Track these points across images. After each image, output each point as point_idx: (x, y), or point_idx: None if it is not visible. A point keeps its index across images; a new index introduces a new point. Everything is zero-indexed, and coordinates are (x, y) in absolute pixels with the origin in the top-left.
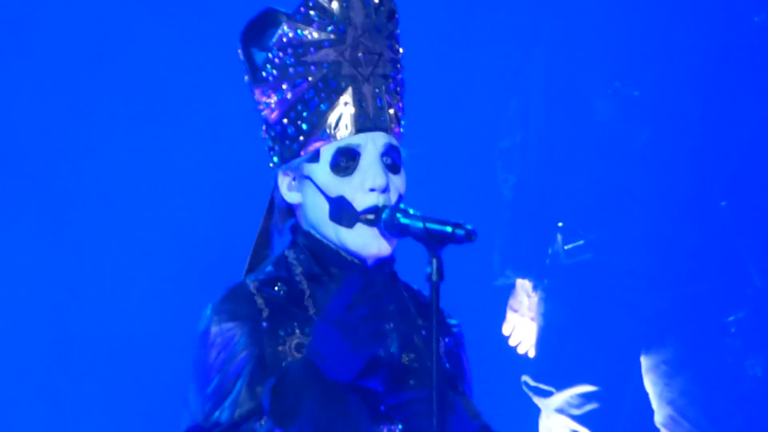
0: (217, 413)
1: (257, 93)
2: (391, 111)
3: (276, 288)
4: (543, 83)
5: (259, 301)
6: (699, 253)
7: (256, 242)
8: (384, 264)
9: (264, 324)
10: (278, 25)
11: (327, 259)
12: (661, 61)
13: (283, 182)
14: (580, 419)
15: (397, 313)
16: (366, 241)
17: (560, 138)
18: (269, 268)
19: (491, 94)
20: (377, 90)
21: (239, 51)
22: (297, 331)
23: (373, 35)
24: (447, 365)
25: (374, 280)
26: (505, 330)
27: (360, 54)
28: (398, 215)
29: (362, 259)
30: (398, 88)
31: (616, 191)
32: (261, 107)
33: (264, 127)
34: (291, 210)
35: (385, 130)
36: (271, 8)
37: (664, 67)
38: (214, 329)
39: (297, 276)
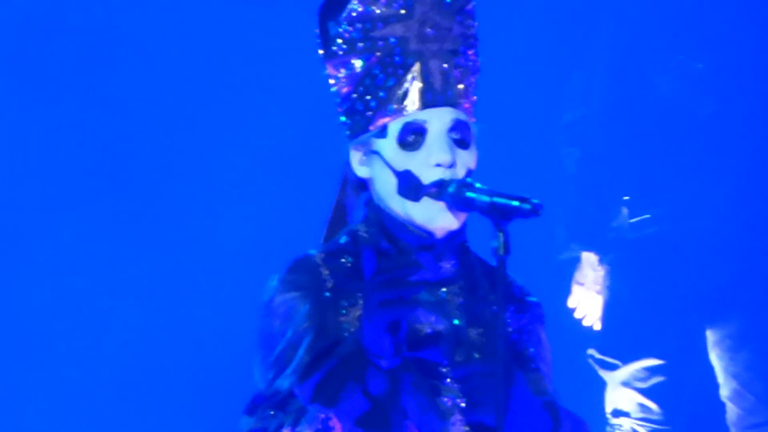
0: (278, 382)
1: (329, 67)
2: (460, 86)
3: (343, 260)
4: (606, 56)
5: (325, 272)
6: (764, 226)
7: (331, 217)
8: (453, 237)
9: (327, 294)
10: None
11: (396, 232)
12: (725, 34)
13: (354, 157)
14: (645, 392)
15: (467, 287)
16: (432, 215)
17: (624, 111)
18: (340, 240)
19: (554, 67)
20: (445, 65)
21: (316, 25)
22: (360, 302)
23: (441, 10)
24: (515, 341)
25: (441, 253)
26: (571, 303)
27: (428, 29)
28: (464, 189)
29: (429, 233)
30: (469, 63)
31: (680, 165)
32: (332, 81)
33: (337, 102)
34: (364, 184)
35: (453, 105)
36: None
37: (727, 39)
38: (277, 299)
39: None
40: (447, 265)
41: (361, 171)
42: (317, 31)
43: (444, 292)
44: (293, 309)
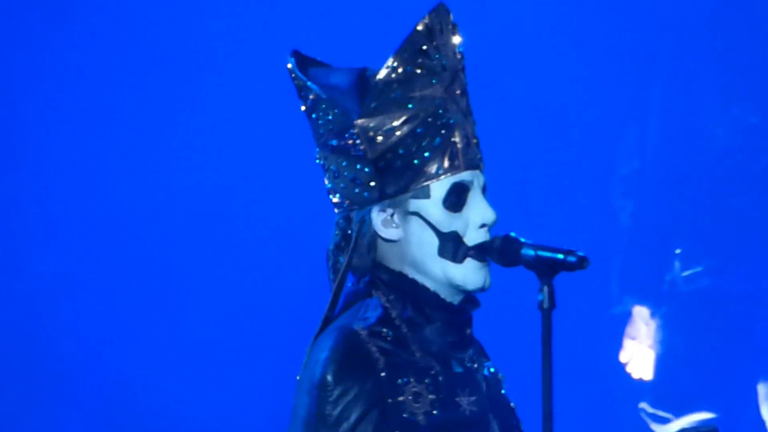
0: None
1: (357, 129)
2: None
3: (383, 334)
4: (661, 109)
5: (373, 349)
6: None
7: (338, 282)
8: (472, 303)
9: (383, 374)
10: (311, 65)
11: (421, 299)
12: None
13: (378, 218)
14: None
15: (477, 353)
16: (474, 275)
17: (678, 164)
18: (368, 313)
19: (610, 120)
20: (472, 127)
21: (314, 90)
22: (412, 379)
23: (460, 74)
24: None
25: (465, 320)
26: (623, 358)
27: (458, 92)
28: (511, 244)
29: (462, 294)
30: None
31: (734, 218)
32: (352, 142)
33: (343, 163)
34: (375, 249)
35: (480, 167)
36: (297, 51)
37: None
38: (329, 379)
39: (396, 320)
40: (468, 332)
41: (389, 233)
42: (315, 97)
43: (468, 361)
44: (347, 391)
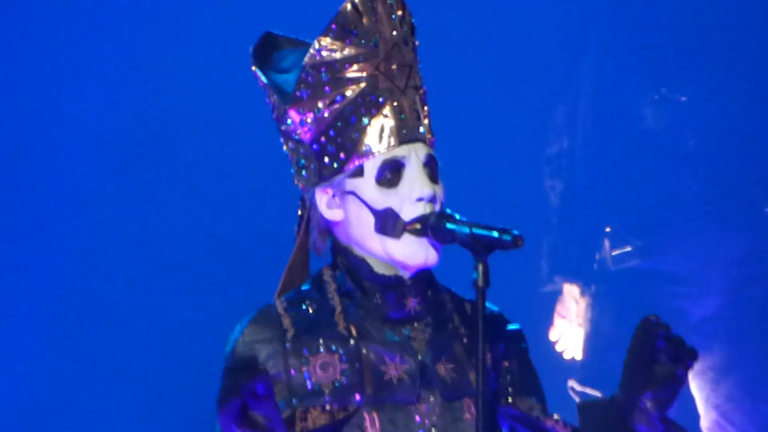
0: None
1: (292, 114)
2: (426, 121)
3: (304, 306)
4: (590, 90)
5: (286, 321)
6: (745, 259)
7: (290, 263)
8: (419, 275)
9: (287, 345)
10: (280, 47)
11: (361, 274)
12: (708, 67)
13: (322, 200)
14: None
15: (435, 323)
16: (414, 251)
17: (607, 144)
18: (305, 286)
19: (538, 101)
20: (413, 101)
21: (260, 77)
22: (322, 349)
23: (402, 48)
24: (493, 375)
25: (405, 292)
26: (553, 336)
27: (393, 67)
28: (444, 220)
29: (407, 269)
30: (425, 98)
31: (663, 197)
32: (292, 127)
33: (291, 147)
34: (328, 229)
35: (424, 140)
36: (270, 32)
37: (710, 72)
38: (239, 350)
39: (329, 293)
40: (410, 303)
41: (331, 213)
42: (264, 81)
43: (408, 330)
44: (254, 360)
